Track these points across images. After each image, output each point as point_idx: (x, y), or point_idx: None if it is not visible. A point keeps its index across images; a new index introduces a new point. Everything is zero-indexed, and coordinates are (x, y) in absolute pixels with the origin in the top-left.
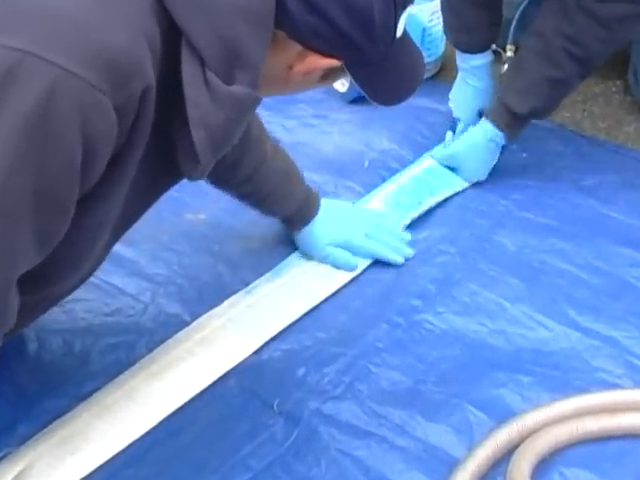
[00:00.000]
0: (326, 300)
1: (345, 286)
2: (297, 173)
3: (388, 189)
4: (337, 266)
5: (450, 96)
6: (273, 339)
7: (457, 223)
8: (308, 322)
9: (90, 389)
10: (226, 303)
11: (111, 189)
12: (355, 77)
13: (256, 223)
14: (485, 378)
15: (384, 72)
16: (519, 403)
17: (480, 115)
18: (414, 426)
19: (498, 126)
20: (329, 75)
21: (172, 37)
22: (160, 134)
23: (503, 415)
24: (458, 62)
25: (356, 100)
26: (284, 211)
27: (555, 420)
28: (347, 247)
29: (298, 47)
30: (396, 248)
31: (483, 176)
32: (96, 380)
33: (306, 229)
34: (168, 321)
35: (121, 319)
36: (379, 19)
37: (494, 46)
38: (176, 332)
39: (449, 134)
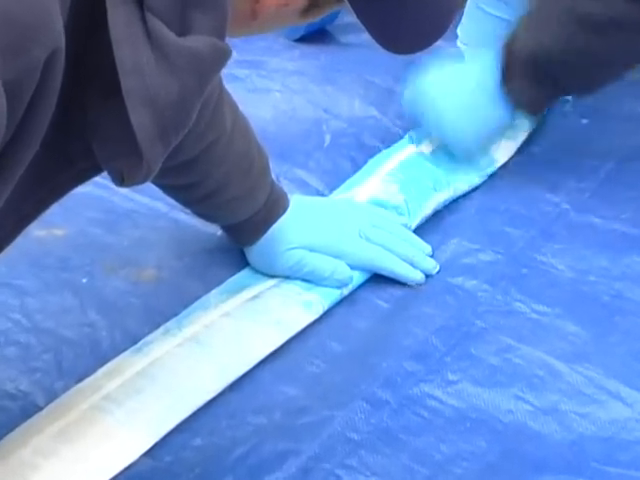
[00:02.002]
0: (264, 362)
1: (295, 339)
2: (262, 160)
3: (367, 183)
4: (318, 278)
5: (459, 31)
6: (179, 430)
7: (478, 235)
8: (236, 400)
9: None
10: (101, 372)
11: None
12: (358, 12)
13: (148, 242)
14: None
15: (401, 4)
16: None
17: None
18: None
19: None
20: (314, 7)
21: None
22: (62, 114)
23: None
24: None
25: (309, 37)
26: (237, 215)
27: None
28: (332, 253)
29: None
30: (410, 258)
31: (465, 141)
32: None
33: (267, 234)
34: (7, 404)
35: None
36: None
37: None
38: (22, 422)
39: None
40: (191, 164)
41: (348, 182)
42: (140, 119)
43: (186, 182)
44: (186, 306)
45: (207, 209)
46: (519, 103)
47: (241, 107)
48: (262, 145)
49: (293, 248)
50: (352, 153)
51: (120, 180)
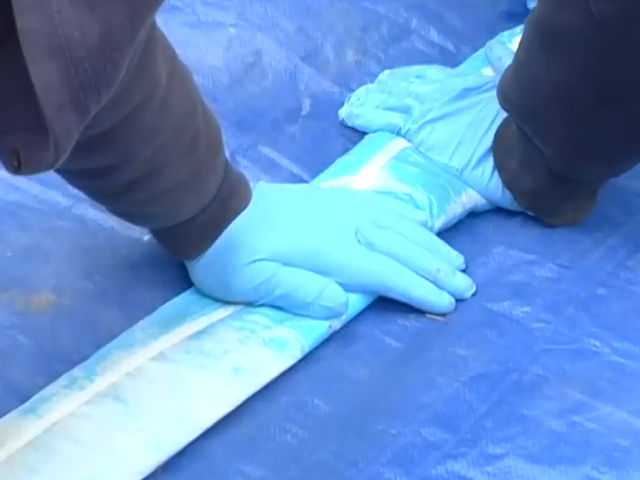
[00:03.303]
0: (215, 430)
1: (262, 395)
2: (211, 131)
3: (367, 167)
4: (295, 305)
5: None
6: None
7: (532, 242)
8: None
9: None
10: None
11: None
12: None
13: (43, 251)
14: None
15: None
16: None
17: None
18: None
19: None
20: None
21: None
22: None
23: None
24: None
25: None
26: (176, 213)
27: None
28: (316, 268)
29: None
30: (433, 274)
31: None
32: None
33: (220, 241)
34: None
35: None
36: None
37: None
38: None
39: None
40: (107, 138)
41: (338, 164)
42: (44, 74)
43: (100, 165)
44: (99, 346)
45: (130, 205)
46: (516, 194)
47: (180, 51)
48: (211, 109)
49: (259, 260)
50: (342, 126)
51: (14, 165)
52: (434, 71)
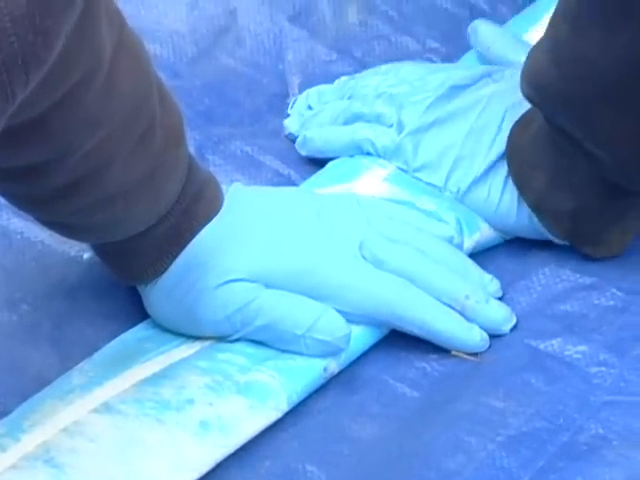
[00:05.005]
0: None
1: (238, 458)
2: (170, 119)
3: (374, 170)
4: (281, 339)
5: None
6: None
7: (589, 261)
8: None
9: None
10: None
11: None
12: None
13: None
14: None
15: None
16: None
17: None
18: None
19: None
20: None
21: None
22: None
23: None
24: None
25: None
26: (125, 225)
27: None
28: (308, 291)
29: None
30: (460, 301)
31: None
32: None
33: (182, 259)
34: None
35: None
36: None
37: None
38: None
39: None
40: (37, 128)
41: (337, 164)
42: None
43: (26, 163)
44: (26, 395)
45: (66, 215)
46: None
47: (130, 11)
48: (171, 90)
49: (233, 281)
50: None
51: None
52: (410, 69)
